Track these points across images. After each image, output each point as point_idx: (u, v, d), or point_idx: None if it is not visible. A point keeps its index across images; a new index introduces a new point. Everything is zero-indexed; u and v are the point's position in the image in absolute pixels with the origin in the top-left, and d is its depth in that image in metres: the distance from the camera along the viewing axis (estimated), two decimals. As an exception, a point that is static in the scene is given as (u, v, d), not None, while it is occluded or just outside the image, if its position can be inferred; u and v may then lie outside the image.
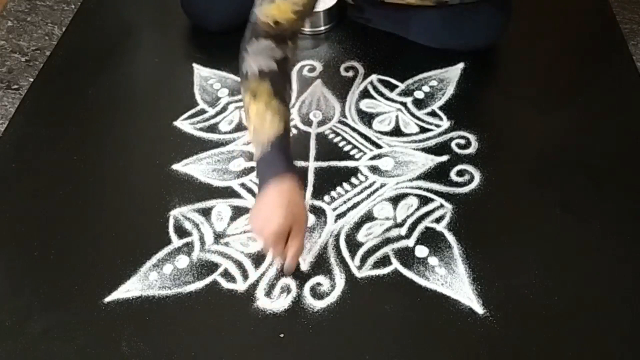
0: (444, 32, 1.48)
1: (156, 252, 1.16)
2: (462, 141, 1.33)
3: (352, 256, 1.15)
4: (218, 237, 1.19)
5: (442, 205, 1.22)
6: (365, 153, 1.32)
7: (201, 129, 1.37)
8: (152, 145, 1.35)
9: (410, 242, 1.16)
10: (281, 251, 1.07)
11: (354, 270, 1.13)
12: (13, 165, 1.33)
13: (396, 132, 1.36)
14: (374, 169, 1.29)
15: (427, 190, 1.24)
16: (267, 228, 1.05)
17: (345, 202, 1.23)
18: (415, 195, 1.24)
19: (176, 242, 1.18)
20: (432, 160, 1.30)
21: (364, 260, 1.14)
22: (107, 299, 1.10)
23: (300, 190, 1.10)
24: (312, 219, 1.21)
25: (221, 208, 1.23)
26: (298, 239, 1.07)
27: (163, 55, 1.57)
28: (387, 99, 1.42)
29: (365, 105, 1.42)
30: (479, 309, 1.07)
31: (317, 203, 1.23)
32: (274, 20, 1.10)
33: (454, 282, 1.11)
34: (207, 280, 1.13)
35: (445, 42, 1.49)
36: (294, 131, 1.36)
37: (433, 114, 1.39)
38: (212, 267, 1.14)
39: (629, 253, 1.14)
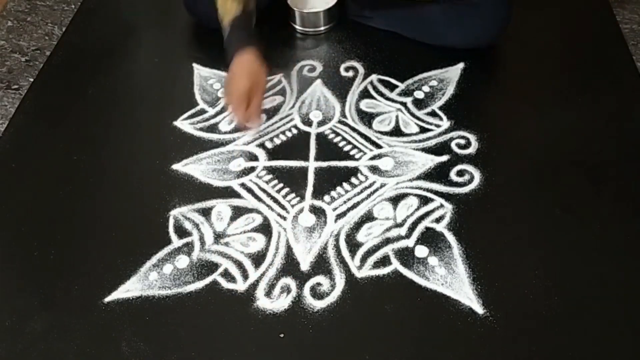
0: (445, 29, 1.48)
1: (156, 252, 1.17)
2: (462, 141, 1.33)
3: (352, 256, 1.15)
4: (218, 237, 1.19)
5: (442, 205, 1.22)
6: (365, 153, 1.32)
7: (201, 129, 1.37)
8: (152, 145, 1.35)
9: (410, 242, 1.16)
10: (243, 111, 1.28)
11: (354, 270, 1.13)
12: (13, 165, 1.33)
13: (396, 132, 1.36)
14: (374, 169, 1.29)
15: (427, 190, 1.24)
16: (231, 90, 1.28)
17: (345, 202, 1.24)
18: (415, 195, 1.24)
19: (176, 242, 1.18)
20: (432, 160, 1.30)
21: (364, 260, 1.14)
22: (107, 299, 1.10)
23: (258, 59, 1.30)
24: (312, 219, 1.21)
25: (221, 208, 1.23)
26: (256, 97, 1.29)
27: (163, 55, 1.57)
28: (387, 99, 1.42)
29: (365, 105, 1.42)
30: (479, 309, 1.07)
31: (317, 203, 1.23)
32: None
33: (454, 282, 1.11)
34: (207, 280, 1.13)
35: (446, 39, 1.49)
36: (294, 131, 1.37)
37: (433, 114, 1.39)
38: (212, 267, 1.14)
39: (629, 253, 1.14)
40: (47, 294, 1.12)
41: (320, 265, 1.14)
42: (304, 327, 1.06)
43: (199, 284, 1.12)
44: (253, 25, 1.34)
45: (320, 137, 1.36)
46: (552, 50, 1.53)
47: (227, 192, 1.26)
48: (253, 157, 1.32)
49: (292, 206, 1.23)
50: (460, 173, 1.27)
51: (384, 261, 1.14)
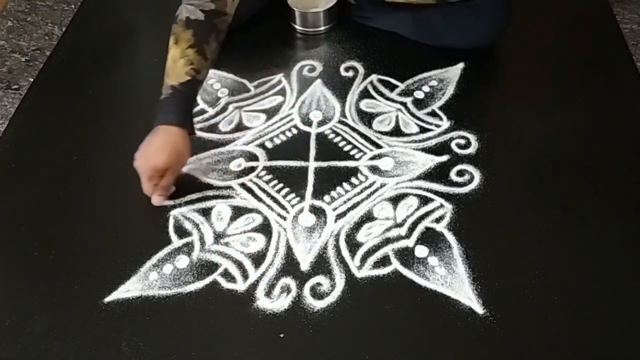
0: (445, 30, 1.48)
1: (156, 252, 1.16)
2: (462, 141, 1.33)
3: (352, 256, 1.15)
4: (218, 237, 1.19)
5: (442, 205, 1.22)
6: (365, 153, 1.32)
7: (201, 129, 1.37)
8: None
9: (410, 242, 1.16)
10: (152, 186, 1.20)
11: (354, 270, 1.13)
12: (13, 165, 1.33)
13: (396, 132, 1.36)
14: (374, 169, 1.29)
15: (427, 190, 1.24)
16: (146, 164, 1.19)
17: (345, 202, 1.23)
18: (415, 195, 1.24)
19: (176, 242, 1.18)
20: (432, 160, 1.30)
21: (364, 260, 1.14)
22: (107, 299, 1.10)
23: (186, 139, 1.21)
24: (312, 219, 1.21)
25: (221, 208, 1.23)
26: (168, 177, 1.20)
27: (163, 55, 1.56)
28: (387, 99, 1.42)
29: (365, 105, 1.42)
30: (479, 309, 1.07)
31: (317, 203, 1.23)
32: None
33: (454, 282, 1.11)
34: (207, 280, 1.13)
35: (447, 40, 1.49)
36: (294, 131, 1.36)
37: (433, 114, 1.39)
38: (212, 267, 1.14)
39: (629, 253, 1.14)
40: (47, 294, 1.12)
41: (320, 265, 1.14)
42: (304, 327, 1.06)
43: (199, 284, 1.12)
44: (195, 99, 1.26)
45: (320, 137, 1.36)
46: (552, 50, 1.53)
47: (227, 192, 1.26)
48: (253, 157, 1.32)
49: (292, 206, 1.23)
50: (460, 173, 1.27)
51: (384, 261, 1.14)
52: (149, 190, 1.21)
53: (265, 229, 1.20)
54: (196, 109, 1.41)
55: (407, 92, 1.43)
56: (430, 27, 1.49)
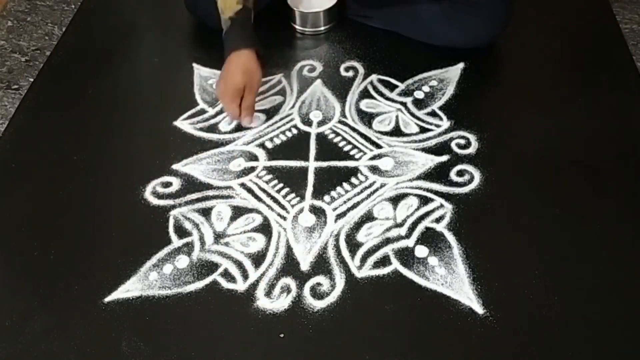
0: (445, 29, 1.47)
1: (156, 252, 1.17)
2: (462, 141, 1.33)
3: (352, 256, 1.15)
4: (218, 237, 1.19)
5: (442, 205, 1.22)
6: (365, 153, 1.32)
7: (201, 129, 1.38)
8: (152, 145, 1.35)
9: (410, 242, 1.16)
10: (236, 107, 1.31)
11: (354, 270, 1.13)
12: (13, 165, 1.33)
13: (396, 132, 1.36)
14: (374, 169, 1.29)
15: (427, 190, 1.24)
16: (226, 86, 1.30)
17: (345, 202, 1.24)
18: (415, 195, 1.24)
19: (176, 242, 1.18)
20: (432, 160, 1.30)
21: (364, 260, 1.14)
22: (107, 299, 1.10)
23: (255, 59, 1.31)
24: (312, 219, 1.21)
25: (221, 208, 1.23)
26: (249, 96, 1.32)
27: (163, 55, 1.57)
28: (387, 99, 1.42)
29: (365, 105, 1.42)
30: (479, 309, 1.07)
31: (317, 203, 1.23)
32: None
33: (454, 282, 1.11)
34: (207, 280, 1.13)
35: (447, 39, 1.49)
36: (294, 131, 1.37)
37: (433, 114, 1.39)
38: (212, 267, 1.14)
39: (629, 253, 1.14)
40: (47, 294, 1.12)
41: (320, 265, 1.14)
42: (304, 327, 1.06)
43: (199, 284, 1.12)
44: (252, 21, 1.35)
45: (320, 137, 1.36)
46: (552, 50, 1.53)
47: (227, 192, 1.26)
48: (253, 157, 1.32)
49: (292, 206, 1.23)
50: (460, 173, 1.27)
51: (384, 261, 1.14)
52: (235, 114, 1.32)
53: (265, 229, 1.20)
54: (196, 109, 1.42)
55: (407, 92, 1.43)
56: (430, 25, 1.49)
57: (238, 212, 1.23)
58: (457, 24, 1.46)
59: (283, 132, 1.37)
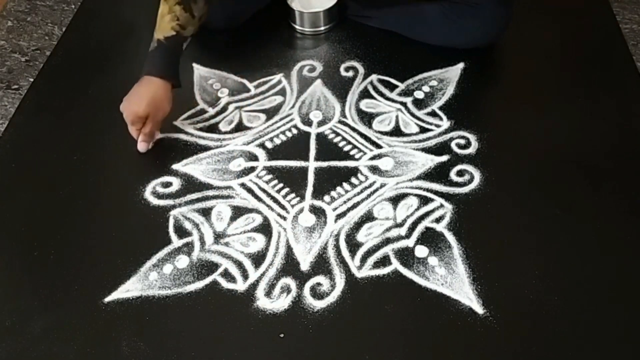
0: (445, 29, 1.47)
1: (156, 252, 1.17)
2: (462, 141, 1.33)
3: (352, 256, 1.15)
4: (218, 237, 1.19)
5: (442, 205, 1.22)
6: (365, 153, 1.32)
7: (201, 129, 1.37)
8: (152, 145, 1.35)
9: (410, 242, 1.16)
10: (135, 131, 1.29)
11: (354, 270, 1.13)
12: (13, 165, 1.33)
13: (396, 132, 1.36)
14: (374, 169, 1.29)
15: (427, 190, 1.24)
16: (127, 109, 1.27)
17: (345, 202, 1.24)
18: (415, 195, 1.24)
19: (176, 242, 1.18)
20: (432, 160, 1.30)
21: (364, 260, 1.14)
22: (107, 299, 1.10)
23: (167, 91, 1.28)
24: (312, 219, 1.21)
25: (221, 208, 1.23)
26: (150, 124, 1.29)
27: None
28: (387, 99, 1.42)
29: (365, 105, 1.42)
30: (479, 309, 1.07)
31: (317, 203, 1.23)
32: None
33: (454, 282, 1.11)
34: (207, 280, 1.13)
35: (447, 39, 1.48)
36: (294, 131, 1.36)
37: (433, 114, 1.39)
38: (212, 267, 1.14)
39: (629, 253, 1.14)
40: (47, 294, 1.12)
41: (320, 265, 1.14)
42: (304, 327, 1.06)
43: (199, 284, 1.12)
44: (181, 53, 1.30)
45: (320, 137, 1.36)
46: (552, 50, 1.53)
47: (227, 192, 1.26)
48: (253, 157, 1.32)
49: (292, 206, 1.23)
50: (460, 173, 1.27)
51: (384, 261, 1.14)
52: (134, 135, 1.31)
53: (265, 229, 1.20)
54: (196, 109, 1.42)
55: (407, 92, 1.43)
56: (430, 25, 1.49)
57: (238, 212, 1.22)
58: (456, 25, 1.46)
59: (283, 132, 1.37)
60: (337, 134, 1.36)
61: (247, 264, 1.15)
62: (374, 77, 1.47)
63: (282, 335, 1.05)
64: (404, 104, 1.41)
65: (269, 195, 1.25)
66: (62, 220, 1.23)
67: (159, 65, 1.28)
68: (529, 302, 1.08)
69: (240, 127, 1.38)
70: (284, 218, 1.21)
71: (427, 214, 1.21)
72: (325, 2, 1.56)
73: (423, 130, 1.36)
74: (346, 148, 1.33)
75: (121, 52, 1.58)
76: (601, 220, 1.19)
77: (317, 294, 1.10)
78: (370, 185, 1.26)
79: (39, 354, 1.05)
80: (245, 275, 1.13)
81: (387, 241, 1.17)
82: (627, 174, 1.26)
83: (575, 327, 1.05)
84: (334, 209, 1.22)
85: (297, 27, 1.59)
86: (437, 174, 1.27)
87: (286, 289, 1.11)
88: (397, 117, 1.39)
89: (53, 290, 1.12)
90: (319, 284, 1.11)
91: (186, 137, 1.36)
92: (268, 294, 1.10)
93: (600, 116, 1.38)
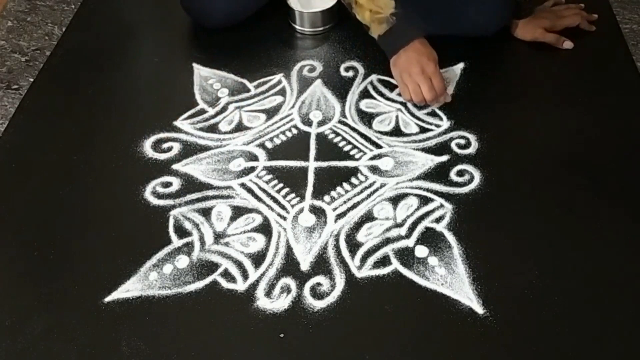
0: (447, 17, 1.45)
1: (156, 252, 1.16)
2: (462, 141, 1.33)
3: (352, 256, 1.15)
4: (218, 237, 1.19)
5: (442, 205, 1.22)
6: (365, 153, 1.32)
7: (201, 129, 1.37)
8: (152, 145, 1.35)
9: (410, 242, 1.16)
10: (432, 87, 1.33)
11: (354, 270, 1.13)
12: (13, 165, 1.33)
13: (396, 132, 1.36)
14: (374, 169, 1.29)
15: (427, 190, 1.24)
16: (426, 64, 1.32)
17: (345, 202, 1.24)
18: (415, 195, 1.24)
19: (176, 242, 1.18)
20: (432, 160, 1.30)
21: (364, 260, 1.14)
22: (107, 299, 1.10)
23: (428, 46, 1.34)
24: (312, 219, 1.21)
25: (221, 208, 1.23)
26: (437, 72, 1.34)
27: (163, 55, 1.57)
28: (387, 99, 1.42)
29: (365, 105, 1.42)
30: (479, 309, 1.07)
31: (317, 203, 1.23)
32: None
33: (454, 282, 1.11)
34: (207, 280, 1.13)
35: (448, 27, 1.46)
36: (294, 131, 1.37)
37: (433, 113, 1.39)
38: (212, 267, 1.14)
39: (629, 253, 1.14)
40: (47, 294, 1.12)
41: (320, 265, 1.14)
42: (304, 327, 1.06)
43: (199, 284, 1.12)
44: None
45: (320, 137, 1.36)
46: (552, 50, 1.53)
47: (227, 192, 1.26)
48: (253, 157, 1.32)
49: (292, 206, 1.23)
50: (460, 173, 1.27)
51: (384, 261, 1.14)
52: (439, 90, 1.34)
53: (265, 229, 1.20)
54: (196, 109, 1.42)
55: (407, 92, 1.43)
56: (431, 14, 1.46)
57: (238, 212, 1.22)
58: (458, 13, 1.43)
59: (283, 132, 1.37)
60: (337, 134, 1.36)
61: (247, 264, 1.15)
62: (374, 77, 1.47)
63: (282, 335, 1.05)
64: (404, 104, 1.41)
65: (269, 195, 1.25)
66: (62, 220, 1.23)
67: (410, 34, 1.33)
68: (529, 302, 1.08)
69: (240, 127, 1.38)
70: (284, 218, 1.21)
71: (427, 214, 1.21)
72: (325, 2, 1.56)
73: (423, 130, 1.36)
74: (346, 148, 1.33)
75: (121, 52, 1.58)
76: (601, 220, 1.19)
77: (317, 294, 1.10)
78: (370, 185, 1.26)
79: (39, 354, 1.04)
80: (245, 275, 1.13)
81: (387, 241, 1.17)
82: (627, 174, 1.26)
83: (575, 327, 1.05)
84: (334, 209, 1.22)
85: (297, 27, 1.59)
86: (437, 174, 1.27)
87: (286, 289, 1.11)
88: (397, 117, 1.39)
89: (53, 290, 1.12)
90: (319, 284, 1.11)
91: (186, 137, 1.36)
92: (268, 294, 1.10)
93: (600, 116, 1.38)
